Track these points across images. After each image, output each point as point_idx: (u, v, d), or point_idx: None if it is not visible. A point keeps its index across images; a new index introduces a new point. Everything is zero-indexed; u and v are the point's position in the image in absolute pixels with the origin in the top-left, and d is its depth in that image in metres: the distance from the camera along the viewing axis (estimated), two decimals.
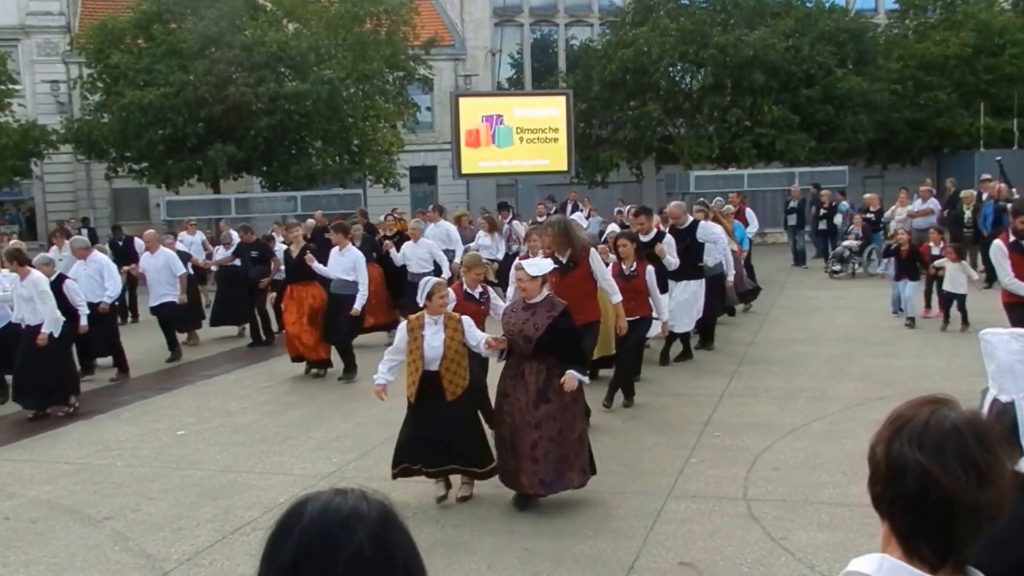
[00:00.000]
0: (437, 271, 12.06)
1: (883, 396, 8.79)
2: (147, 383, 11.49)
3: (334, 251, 11.36)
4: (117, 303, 12.50)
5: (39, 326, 9.77)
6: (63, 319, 9.96)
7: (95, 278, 11.47)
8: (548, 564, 5.51)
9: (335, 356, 11.36)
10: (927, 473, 1.47)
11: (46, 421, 9.78)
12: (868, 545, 1.61)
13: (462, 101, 25.90)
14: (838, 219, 20.32)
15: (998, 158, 21.28)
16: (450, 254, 13.60)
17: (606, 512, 6.33)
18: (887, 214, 19.31)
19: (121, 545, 6.15)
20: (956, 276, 12.31)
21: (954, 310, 12.42)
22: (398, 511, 1.43)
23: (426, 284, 6.61)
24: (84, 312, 10.64)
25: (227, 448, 8.41)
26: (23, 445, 8.93)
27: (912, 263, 13.11)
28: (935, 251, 13.08)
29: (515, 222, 17.09)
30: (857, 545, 5.33)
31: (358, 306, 11.08)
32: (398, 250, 13.37)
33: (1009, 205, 11.47)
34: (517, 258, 9.19)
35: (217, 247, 16.21)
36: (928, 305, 13.49)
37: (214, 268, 15.55)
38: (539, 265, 6.74)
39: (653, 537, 5.85)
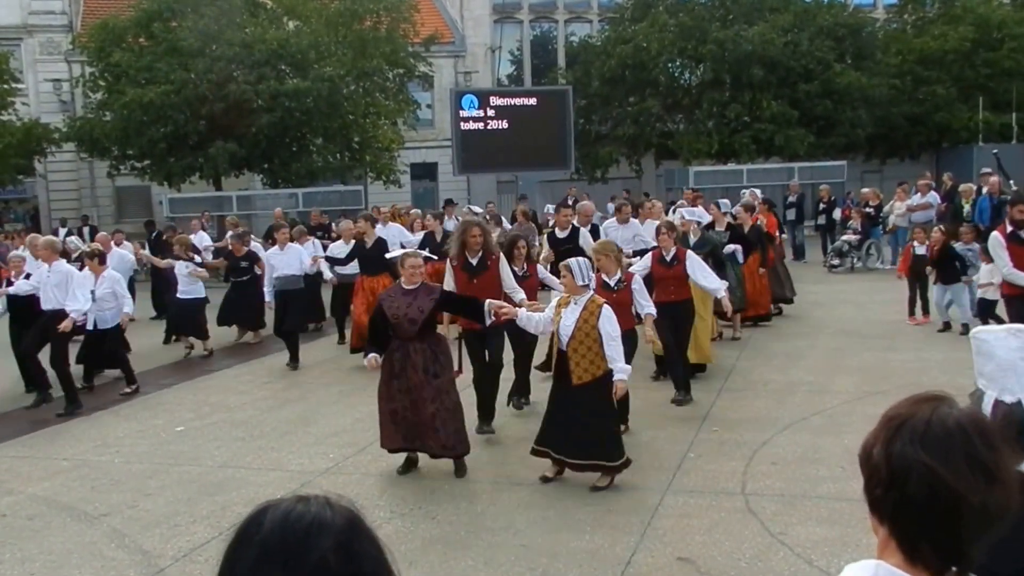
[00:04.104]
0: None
1: (882, 390, 8.78)
2: (147, 379, 11.45)
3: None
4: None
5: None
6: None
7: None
8: (544, 559, 5.49)
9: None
10: (934, 474, 1.41)
11: (44, 417, 9.78)
12: (867, 540, 1.58)
13: None
14: (836, 214, 20.33)
15: (995, 151, 21.29)
16: None
17: (603, 507, 6.31)
18: (886, 208, 19.30)
19: (117, 542, 6.14)
20: (987, 279, 10.97)
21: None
22: (365, 517, 1.36)
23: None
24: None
25: (225, 444, 8.42)
26: (22, 442, 8.90)
27: (950, 262, 11.91)
28: (919, 251, 12.43)
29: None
30: (856, 540, 5.33)
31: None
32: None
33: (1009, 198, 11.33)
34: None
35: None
36: (912, 312, 12.72)
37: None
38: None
39: (651, 532, 5.83)
